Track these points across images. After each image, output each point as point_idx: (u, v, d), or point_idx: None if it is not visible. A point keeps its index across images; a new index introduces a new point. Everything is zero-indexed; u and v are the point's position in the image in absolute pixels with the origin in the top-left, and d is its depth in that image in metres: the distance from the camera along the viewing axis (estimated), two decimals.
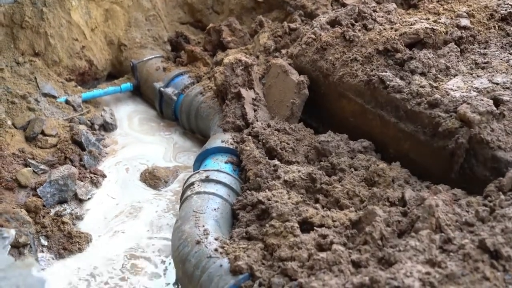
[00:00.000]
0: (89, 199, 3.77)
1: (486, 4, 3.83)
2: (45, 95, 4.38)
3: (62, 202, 3.62)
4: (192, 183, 3.24)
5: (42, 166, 3.73)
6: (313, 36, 3.94)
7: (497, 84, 3.05)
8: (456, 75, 3.25)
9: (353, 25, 3.86)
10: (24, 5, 4.51)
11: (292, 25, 4.58)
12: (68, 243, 3.35)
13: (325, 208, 2.87)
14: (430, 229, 2.21)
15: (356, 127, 3.55)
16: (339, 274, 2.16)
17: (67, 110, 4.44)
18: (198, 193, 3.13)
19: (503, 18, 3.67)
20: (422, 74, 3.29)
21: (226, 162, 3.48)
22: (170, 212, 3.74)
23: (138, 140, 4.65)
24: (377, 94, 3.33)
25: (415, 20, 3.68)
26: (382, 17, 3.89)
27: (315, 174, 3.07)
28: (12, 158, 3.67)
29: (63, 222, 3.42)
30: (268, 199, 2.89)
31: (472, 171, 2.81)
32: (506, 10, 3.70)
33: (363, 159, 3.25)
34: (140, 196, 3.89)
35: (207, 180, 3.23)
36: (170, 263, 3.26)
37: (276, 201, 2.84)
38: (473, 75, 3.20)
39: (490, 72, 3.18)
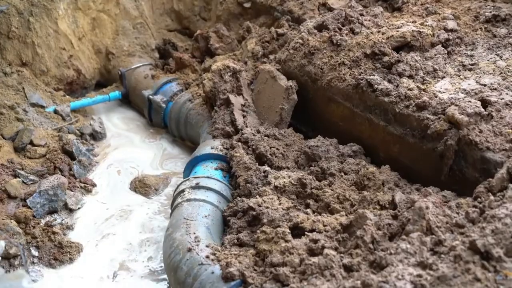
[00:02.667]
0: (79, 208, 3.75)
1: (469, 6, 3.86)
2: (34, 105, 4.36)
3: (52, 212, 3.60)
4: (183, 190, 3.24)
5: (32, 177, 3.71)
6: (300, 41, 3.95)
7: (485, 85, 3.06)
8: (444, 77, 3.27)
9: (340, 29, 3.87)
10: (11, 15, 4.49)
11: (280, 31, 4.57)
12: (59, 253, 3.33)
13: (315, 213, 2.88)
14: (421, 232, 2.21)
15: (345, 131, 3.56)
16: (331, 279, 2.16)
17: (56, 120, 4.42)
18: (189, 200, 3.13)
19: (488, 20, 3.69)
20: (410, 76, 3.31)
21: (216, 169, 3.47)
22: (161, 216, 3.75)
23: (127, 140, 4.72)
24: (365, 98, 3.34)
25: (402, 23, 3.69)
26: (369, 20, 3.90)
27: (305, 179, 3.07)
28: (1, 169, 3.64)
29: (53, 232, 3.40)
30: (259, 205, 2.89)
31: (461, 172, 2.82)
32: (490, 12, 3.72)
33: (352, 163, 3.25)
34: (131, 204, 3.88)
35: (198, 187, 3.22)
36: (161, 270, 3.26)
37: (267, 207, 2.84)
38: (461, 76, 3.22)
39: (477, 74, 3.20)
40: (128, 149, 4.59)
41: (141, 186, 4.01)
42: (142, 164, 4.36)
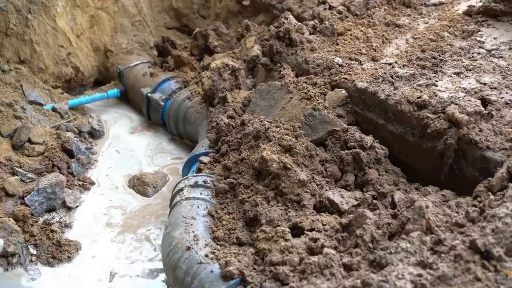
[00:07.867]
0: (77, 206, 3.74)
1: None
2: (32, 102, 4.35)
3: (50, 210, 3.59)
4: (181, 189, 3.22)
5: (30, 175, 3.70)
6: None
7: (485, 84, 3.05)
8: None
9: None
10: (9, 12, 4.48)
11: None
12: (57, 251, 3.33)
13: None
14: (421, 231, 2.20)
15: None
16: (331, 278, 2.15)
17: (54, 118, 4.41)
18: (188, 198, 3.11)
19: None
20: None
21: None
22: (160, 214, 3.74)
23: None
24: (365, 97, 3.33)
25: None
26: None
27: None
28: None
29: (51, 231, 3.40)
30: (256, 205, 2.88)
31: (461, 171, 2.81)
32: None
33: None
34: (129, 202, 3.87)
35: (196, 185, 3.21)
36: (160, 268, 3.25)
37: (265, 207, 2.83)
38: (461, 75, 3.21)
39: (477, 73, 3.19)
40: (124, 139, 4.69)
41: (139, 184, 3.99)
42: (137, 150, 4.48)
